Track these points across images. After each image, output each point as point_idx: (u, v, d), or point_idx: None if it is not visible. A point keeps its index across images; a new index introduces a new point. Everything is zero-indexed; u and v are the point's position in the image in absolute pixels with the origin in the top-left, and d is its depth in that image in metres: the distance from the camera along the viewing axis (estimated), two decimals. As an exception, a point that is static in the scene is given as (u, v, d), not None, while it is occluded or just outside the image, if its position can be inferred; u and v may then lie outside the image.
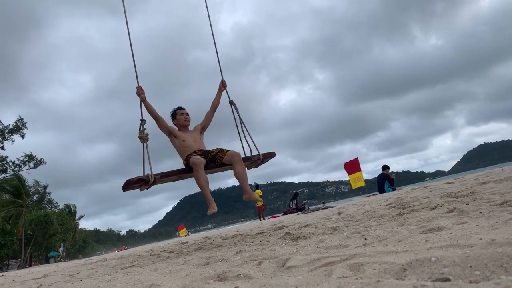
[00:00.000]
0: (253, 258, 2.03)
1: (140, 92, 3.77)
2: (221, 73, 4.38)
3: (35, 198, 43.71)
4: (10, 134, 31.90)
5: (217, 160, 3.68)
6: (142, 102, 3.75)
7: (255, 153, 4.08)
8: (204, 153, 3.75)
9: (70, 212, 50.18)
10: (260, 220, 14.01)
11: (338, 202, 16.09)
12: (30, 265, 32.05)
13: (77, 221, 53.91)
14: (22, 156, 33.66)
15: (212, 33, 4.60)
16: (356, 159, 13.65)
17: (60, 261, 37.93)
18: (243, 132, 4.13)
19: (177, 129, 3.98)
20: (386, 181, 11.58)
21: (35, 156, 34.18)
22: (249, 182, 3.72)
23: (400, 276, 1.06)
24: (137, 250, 9.91)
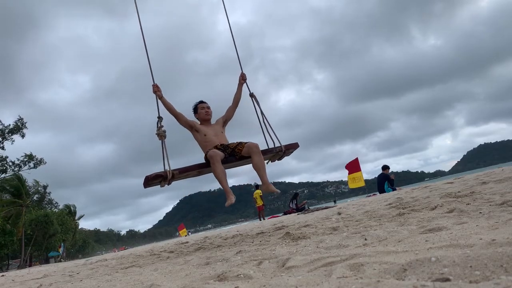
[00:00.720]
0: (253, 258, 2.03)
1: (156, 89, 3.75)
2: (241, 66, 4.30)
3: (35, 198, 43.70)
4: (10, 134, 31.90)
5: (236, 153, 3.64)
6: (159, 100, 3.73)
7: (275, 144, 3.95)
8: (224, 148, 3.72)
9: (70, 212, 50.20)
10: (260, 220, 14.01)
11: (338, 202, 16.09)
12: (30, 265, 32.05)
13: (77, 221, 53.93)
14: (22, 156, 33.68)
15: (230, 28, 4.51)
16: (356, 159, 13.66)
17: (60, 261, 37.93)
18: (265, 125, 4.04)
19: (198, 123, 3.98)
20: (386, 181, 11.58)
21: (35, 156, 34.19)
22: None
23: (400, 276, 1.06)
24: (137, 250, 9.91)
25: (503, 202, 2.37)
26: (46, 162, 35.12)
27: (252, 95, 4.17)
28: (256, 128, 4.11)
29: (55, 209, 47.22)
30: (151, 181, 3.42)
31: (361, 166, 13.38)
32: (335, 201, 14.46)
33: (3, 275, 7.28)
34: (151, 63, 3.82)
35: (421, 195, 4.55)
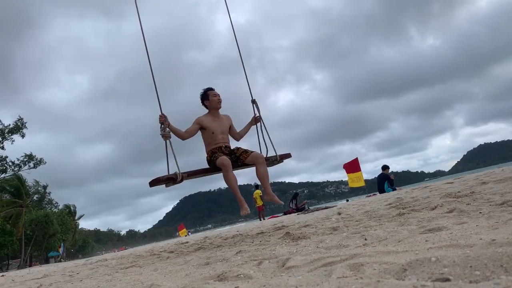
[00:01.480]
0: (253, 258, 2.03)
1: (163, 120, 3.52)
2: (256, 110, 4.17)
3: (35, 198, 43.71)
4: (10, 134, 31.88)
5: (240, 160, 3.70)
6: (168, 128, 3.53)
7: (272, 152, 4.10)
8: (229, 152, 3.75)
9: (70, 212, 50.21)
10: (260, 220, 14.01)
11: (338, 202, 16.10)
12: (30, 265, 32.05)
13: (77, 221, 53.94)
14: (22, 156, 33.66)
15: (241, 57, 4.45)
16: (356, 159, 13.66)
17: (60, 261, 37.93)
18: (262, 132, 4.09)
19: (204, 118, 3.82)
20: (386, 181, 11.59)
21: (35, 156, 34.18)
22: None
23: (400, 276, 1.06)
24: (137, 250, 9.91)
25: (503, 202, 2.37)
26: (46, 162, 35.14)
27: (254, 102, 4.16)
28: (252, 132, 4.17)
29: (55, 209, 47.23)
30: (161, 182, 3.46)
31: (361, 166, 13.39)
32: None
33: (3, 275, 7.28)
34: (146, 64, 3.71)
35: (421, 195, 4.55)
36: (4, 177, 33.70)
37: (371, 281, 1.03)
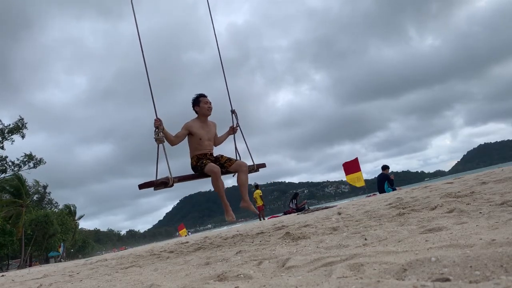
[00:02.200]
0: (253, 258, 2.03)
1: (158, 124, 3.59)
2: (234, 120, 4.27)
3: (35, 198, 43.70)
4: (10, 134, 31.87)
5: (224, 168, 3.84)
6: (162, 132, 3.61)
7: (249, 161, 4.26)
8: (214, 159, 3.88)
9: (70, 212, 50.20)
10: (260, 220, 14.01)
11: (338, 202, 16.10)
12: (30, 265, 32.04)
13: (77, 221, 53.93)
14: (22, 156, 33.64)
15: (222, 67, 4.54)
16: (356, 159, 13.66)
17: (60, 261, 37.94)
18: (237, 141, 4.28)
19: (193, 124, 3.89)
20: (386, 181, 11.58)
21: (34, 156, 34.16)
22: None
23: (400, 276, 1.06)
24: (137, 250, 9.91)
25: (503, 202, 2.37)
26: (45, 162, 35.10)
27: (233, 112, 4.28)
28: (229, 141, 4.29)
29: (55, 209, 47.22)
30: (156, 187, 3.54)
31: (361, 166, 13.39)
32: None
33: (3, 275, 7.28)
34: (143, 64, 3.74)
35: (421, 195, 4.55)
36: (4, 177, 33.69)
37: (371, 281, 1.03)
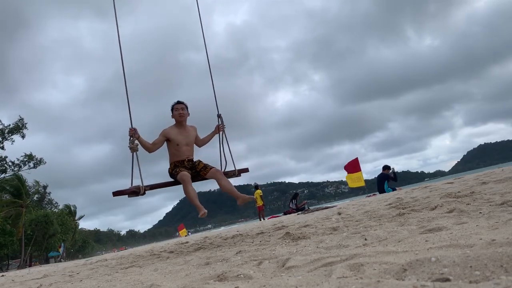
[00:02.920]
0: (253, 258, 2.03)
1: (132, 133, 3.68)
2: (219, 120, 4.30)
3: (35, 198, 43.67)
4: (10, 134, 31.86)
5: (200, 175, 3.92)
6: (137, 141, 3.70)
7: (230, 166, 4.29)
8: (191, 166, 3.93)
9: (70, 212, 50.18)
10: (260, 220, 14.01)
11: (338, 202, 16.09)
12: (30, 265, 32.04)
13: (77, 221, 53.92)
14: (21, 156, 33.62)
15: (210, 72, 4.56)
16: (356, 159, 13.66)
17: (60, 261, 37.93)
18: (223, 146, 4.25)
19: (170, 131, 3.97)
20: (386, 181, 11.57)
21: (34, 156, 34.14)
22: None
23: (400, 276, 1.06)
24: (137, 250, 9.91)
25: (503, 202, 2.37)
26: (46, 162, 35.08)
27: (219, 116, 4.30)
28: (213, 144, 4.32)
29: (55, 209, 47.21)
30: (129, 195, 3.65)
31: (361, 166, 13.39)
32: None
33: (3, 275, 7.28)
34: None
35: (421, 195, 4.55)
36: (4, 177, 33.67)
37: (371, 281, 1.03)
